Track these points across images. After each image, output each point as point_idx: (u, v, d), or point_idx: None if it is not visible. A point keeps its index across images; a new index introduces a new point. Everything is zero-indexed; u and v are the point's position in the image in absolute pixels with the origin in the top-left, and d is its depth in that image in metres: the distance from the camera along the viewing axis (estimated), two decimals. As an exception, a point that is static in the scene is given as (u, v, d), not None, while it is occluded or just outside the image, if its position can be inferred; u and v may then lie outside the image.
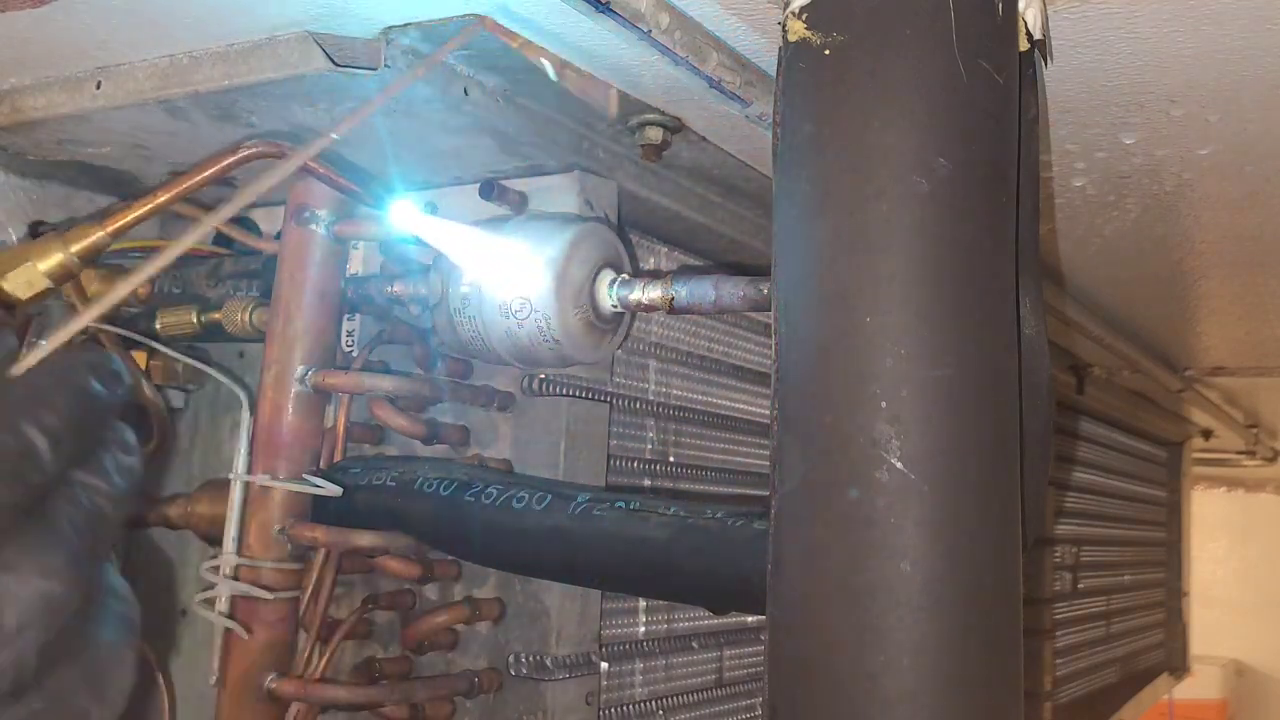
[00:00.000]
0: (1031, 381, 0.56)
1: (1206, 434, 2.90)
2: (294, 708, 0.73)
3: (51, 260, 0.63)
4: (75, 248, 0.63)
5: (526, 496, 0.72)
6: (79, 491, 0.42)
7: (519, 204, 0.80)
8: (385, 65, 0.67)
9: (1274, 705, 3.86)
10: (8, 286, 0.62)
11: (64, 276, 0.63)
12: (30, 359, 0.41)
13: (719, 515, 0.68)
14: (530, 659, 0.79)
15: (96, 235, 0.63)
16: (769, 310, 0.54)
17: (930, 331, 0.48)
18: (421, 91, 0.70)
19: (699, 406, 0.99)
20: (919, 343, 0.48)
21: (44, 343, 0.41)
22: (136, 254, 0.97)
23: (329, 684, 0.73)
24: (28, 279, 0.62)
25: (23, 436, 0.39)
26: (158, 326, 0.85)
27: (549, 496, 0.72)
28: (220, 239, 0.97)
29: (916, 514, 0.46)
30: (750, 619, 1.03)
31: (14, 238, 0.93)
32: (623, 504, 0.70)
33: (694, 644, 0.97)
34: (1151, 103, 0.76)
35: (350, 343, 0.86)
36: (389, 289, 0.77)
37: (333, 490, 0.75)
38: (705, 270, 0.89)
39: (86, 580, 0.41)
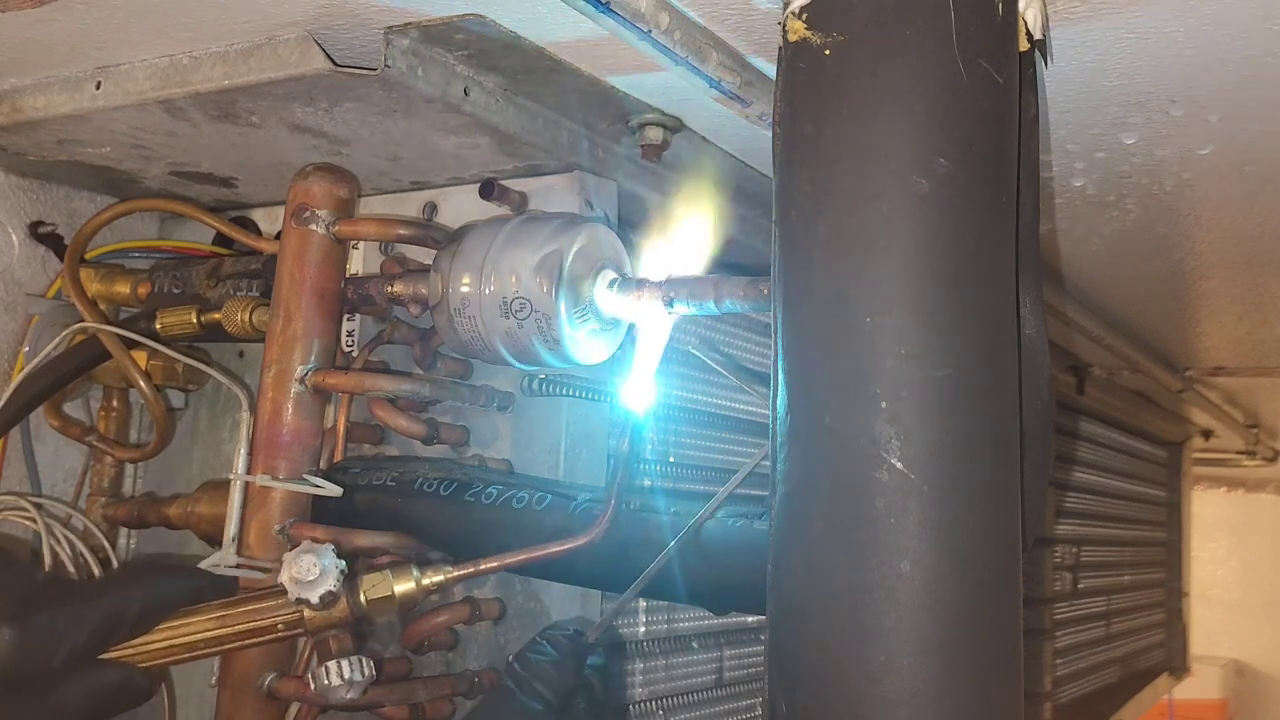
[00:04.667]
0: (1031, 381, 0.56)
1: (1206, 434, 2.90)
2: (294, 708, 0.73)
3: (406, 585, 0.70)
4: (427, 581, 0.71)
5: (526, 496, 0.72)
6: None
7: (519, 204, 0.80)
8: (385, 65, 0.67)
9: (1274, 705, 3.86)
10: (364, 593, 0.69)
11: (407, 601, 0.70)
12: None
13: (719, 515, 0.68)
14: (530, 659, 0.79)
15: (448, 575, 0.71)
16: (769, 310, 0.54)
17: (930, 331, 0.48)
18: (422, 91, 0.70)
19: (699, 406, 0.99)
20: (919, 343, 0.48)
21: None
22: (137, 254, 0.97)
23: (329, 684, 0.73)
24: (380, 588, 0.70)
25: None
26: (158, 326, 0.85)
27: (549, 496, 0.72)
28: (220, 239, 0.97)
29: (916, 514, 0.46)
30: (750, 619, 1.03)
31: (14, 238, 0.93)
32: (622, 504, 0.70)
33: (694, 644, 0.97)
34: (1151, 103, 0.76)
35: (350, 343, 0.86)
36: (389, 289, 0.77)
37: (333, 490, 0.75)
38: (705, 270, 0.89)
39: None
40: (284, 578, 0.66)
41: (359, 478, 0.77)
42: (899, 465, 0.46)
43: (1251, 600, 3.86)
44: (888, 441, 0.47)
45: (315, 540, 0.73)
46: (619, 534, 0.68)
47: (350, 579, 0.68)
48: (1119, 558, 2.27)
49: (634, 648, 0.89)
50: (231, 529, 0.74)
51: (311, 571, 0.66)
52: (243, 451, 0.76)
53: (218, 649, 0.67)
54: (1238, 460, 3.18)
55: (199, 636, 0.67)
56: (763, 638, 0.52)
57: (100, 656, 0.64)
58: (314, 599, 0.66)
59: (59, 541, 0.85)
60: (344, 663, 0.68)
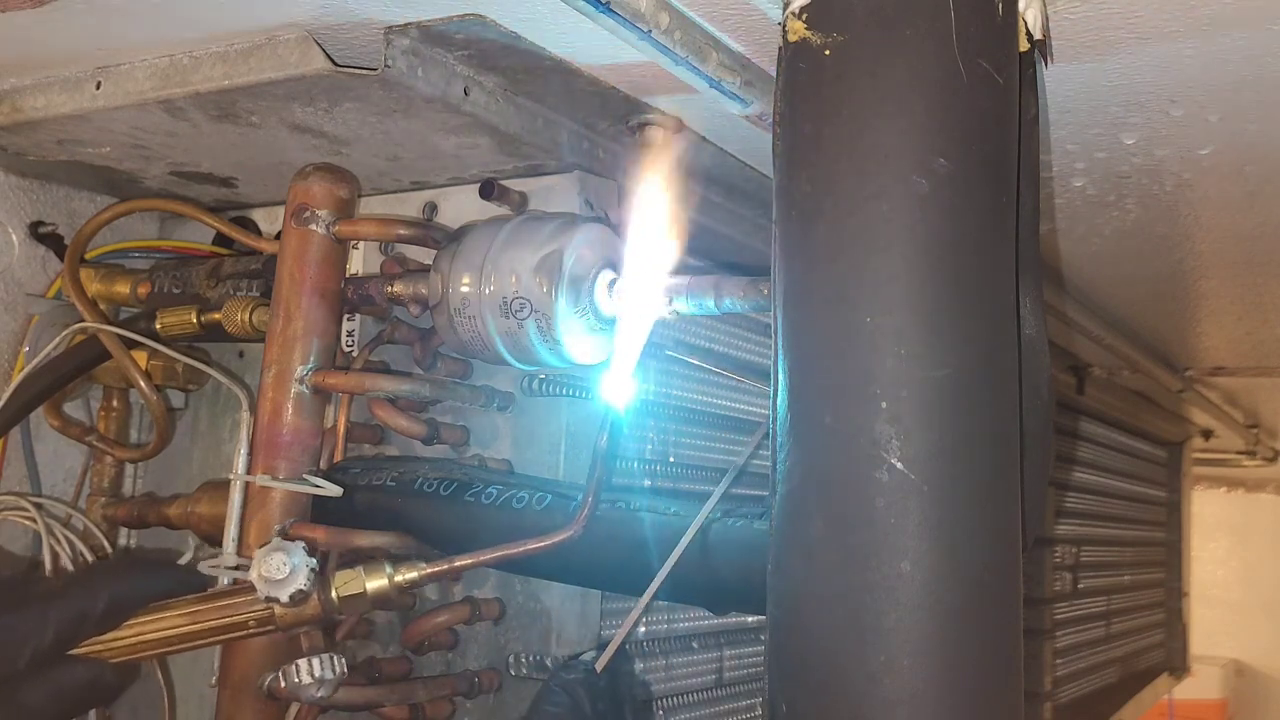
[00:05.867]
0: (1031, 382, 0.56)
1: (1206, 434, 2.90)
2: (294, 708, 0.73)
3: (378, 582, 0.69)
4: (400, 578, 0.70)
5: (526, 496, 0.72)
6: None
7: (519, 204, 0.80)
8: (385, 66, 0.67)
9: (1274, 705, 3.85)
10: (336, 590, 0.69)
11: (380, 599, 0.70)
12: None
13: (719, 515, 0.68)
14: (530, 659, 0.79)
15: (422, 573, 0.70)
16: (769, 310, 0.54)
17: (930, 331, 0.48)
18: (422, 91, 0.70)
19: (698, 406, 0.99)
20: (919, 343, 0.48)
21: None
22: (137, 254, 0.97)
23: (329, 684, 0.73)
24: (352, 585, 0.69)
25: None
26: (158, 326, 0.85)
27: (549, 496, 0.72)
28: (220, 239, 0.97)
29: (916, 514, 0.46)
30: (750, 619, 1.03)
31: (14, 238, 0.93)
32: (622, 504, 0.70)
33: (694, 644, 0.97)
34: (1151, 103, 0.76)
35: (350, 343, 0.86)
36: (389, 289, 0.77)
37: (333, 490, 0.75)
38: (705, 270, 0.89)
39: None
40: (253, 575, 0.66)
41: (359, 478, 0.77)
42: (899, 465, 0.47)
43: (1251, 600, 3.86)
44: (888, 441, 0.47)
45: (316, 541, 0.73)
46: (608, 532, 0.68)
47: (322, 576, 0.68)
48: (1119, 558, 2.27)
49: (634, 648, 0.89)
50: (231, 529, 0.74)
51: (281, 570, 0.66)
52: (243, 451, 0.76)
53: (188, 645, 0.67)
54: (1238, 460, 3.18)
55: (170, 632, 0.66)
56: (763, 638, 0.52)
57: (69, 652, 0.64)
58: (284, 597, 0.66)
59: (59, 541, 0.85)
60: (315, 660, 0.68)
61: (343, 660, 0.70)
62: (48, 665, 0.62)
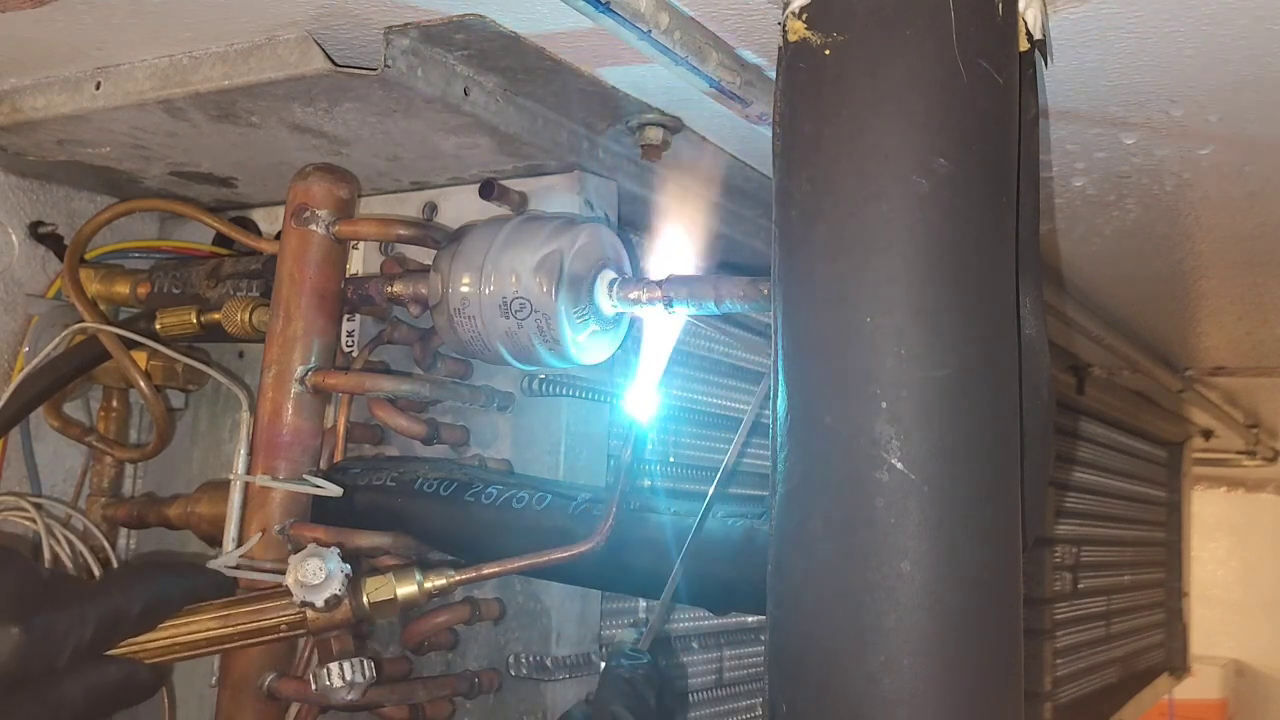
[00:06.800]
0: (1031, 381, 0.56)
1: (1206, 434, 2.90)
2: (294, 708, 0.73)
3: (408, 588, 0.70)
4: (429, 585, 0.70)
5: (526, 496, 0.72)
6: None
7: (519, 204, 0.80)
8: (385, 66, 0.67)
9: (1274, 705, 3.85)
10: (367, 595, 0.69)
11: (409, 605, 0.70)
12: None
13: (719, 515, 0.68)
14: (530, 659, 0.79)
15: (450, 579, 0.70)
16: (769, 310, 0.54)
17: (930, 331, 0.48)
18: (422, 91, 0.70)
19: (699, 407, 0.99)
20: (919, 343, 0.48)
21: None
22: (137, 254, 0.97)
23: (329, 684, 0.73)
24: (383, 590, 0.70)
25: None
26: (158, 327, 0.85)
27: (549, 496, 0.72)
28: (220, 239, 0.97)
29: (916, 514, 0.46)
30: (750, 619, 1.03)
31: (14, 238, 0.93)
32: (623, 511, 0.70)
33: (694, 644, 0.97)
34: (1151, 103, 0.76)
35: (350, 343, 0.86)
36: (389, 289, 0.77)
37: (333, 490, 0.75)
38: (705, 270, 0.89)
39: None
40: (290, 581, 0.66)
41: (359, 478, 0.77)
42: (899, 465, 0.47)
43: (1251, 600, 3.86)
44: (888, 441, 0.47)
45: (317, 541, 0.73)
46: (619, 535, 0.68)
47: (353, 581, 0.68)
48: (1119, 558, 2.27)
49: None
50: (231, 529, 0.74)
51: (317, 575, 0.66)
52: (243, 451, 0.76)
53: (220, 648, 0.68)
54: (1238, 460, 3.18)
55: (202, 635, 0.67)
56: (763, 638, 0.52)
57: (105, 653, 0.64)
58: (319, 602, 0.66)
59: (59, 542, 0.85)
60: (345, 664, 0.69)
61: (371, 664, 0.70)
62: (86, 664, 0.62)
